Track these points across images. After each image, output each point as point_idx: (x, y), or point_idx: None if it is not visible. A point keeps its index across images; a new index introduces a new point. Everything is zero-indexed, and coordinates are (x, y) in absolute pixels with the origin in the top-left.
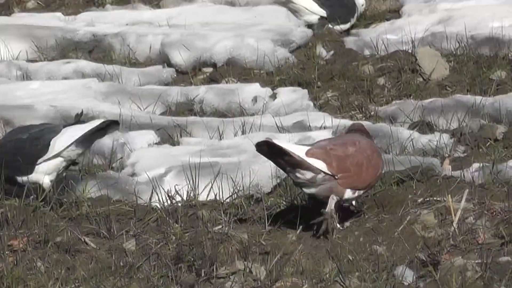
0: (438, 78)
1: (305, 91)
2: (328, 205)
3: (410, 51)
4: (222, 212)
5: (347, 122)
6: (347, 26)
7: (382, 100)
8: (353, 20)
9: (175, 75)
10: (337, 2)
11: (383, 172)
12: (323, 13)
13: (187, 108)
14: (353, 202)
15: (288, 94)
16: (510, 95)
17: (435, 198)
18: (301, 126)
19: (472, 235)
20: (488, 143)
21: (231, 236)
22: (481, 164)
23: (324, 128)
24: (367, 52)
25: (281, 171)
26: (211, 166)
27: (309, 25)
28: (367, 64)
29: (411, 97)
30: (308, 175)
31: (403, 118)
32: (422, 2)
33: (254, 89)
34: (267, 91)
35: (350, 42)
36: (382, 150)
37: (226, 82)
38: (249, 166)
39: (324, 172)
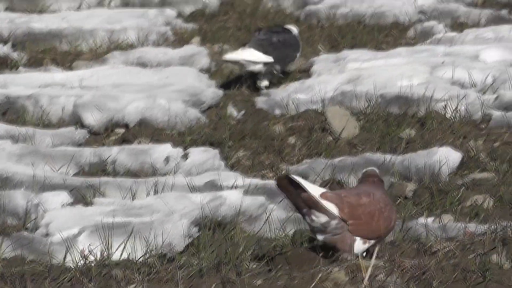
0: (348, 137)
1: (217, 151)
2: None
3: (320, 110)
4: (135, 271)
5: (259, 181)
6: (294, 63)
7: (293, 159)
8: (298, 55)
9: (88, 136)
10: (280, 43)
11: (395, 225)
12: (269, 59)
13: (100, 168)
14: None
15: (200, 154)
16: (419, 153)
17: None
18: (213, 186)
19: None
20: (398, 200)
21: None
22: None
23: (236, 187)
24: (277, 112)
25: (193, 229)
26: (124, 225)
27: (255, 73)
28: (278, 124)
29: (322, 155)
30: (323, 218)
31: (314, 176)
32: (331, 62)
33: (166, 149)
34: (179, 151)
35: (260, 102)
36: (293, 209)
37: (138, 143)
38: (162, 225)
39: (337, 217)
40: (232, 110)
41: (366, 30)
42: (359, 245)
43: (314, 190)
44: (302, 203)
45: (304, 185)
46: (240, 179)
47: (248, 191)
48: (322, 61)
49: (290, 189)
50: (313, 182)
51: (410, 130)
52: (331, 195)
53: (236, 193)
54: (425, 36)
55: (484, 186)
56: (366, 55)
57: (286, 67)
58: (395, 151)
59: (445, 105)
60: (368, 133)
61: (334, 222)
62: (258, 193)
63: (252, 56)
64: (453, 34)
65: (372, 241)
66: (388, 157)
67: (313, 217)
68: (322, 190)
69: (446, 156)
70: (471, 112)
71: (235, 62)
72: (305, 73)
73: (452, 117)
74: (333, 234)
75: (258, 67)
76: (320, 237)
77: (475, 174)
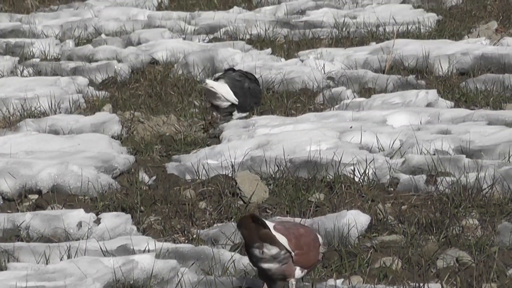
0: (258, 201)
1: (128, 216)
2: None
3: (230, 175)
4: None
5: (170, 245)
6: (250, 112)
7: (203, 223)
8: (257, 105)
9: (1, 203)
10: (248, 91)
11: (321, 259)
12: (235, 101)
13: (14, 234)
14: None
15: (112, 219)
16: (328, 216)
17: None
18: (125, 250)
19: None
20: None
21: None
22: (302, 284)
23: (148, 251)
24: (188, 177)
25: None
26: None
27: (217, 108)
28: (189, 189)
29: (232, 220)
30: (274, 250)
31: (225, 240)
32: (241, 127)
33: (78, 214)
34: (91, 216)
35: (171, 167)
36: (204, 272)
37: (52, 208)
38: None
39: (286, 249)
40: (143, 176)
41: (275, 96)
42: (298, 274)
43: (270, 225)
44: (257, 238)
45: (266, 223)
46: (152, 243)
47: (159, 255)
48: (232, 127)
49: (251, 226)
50: (224, 245)
51: (319, 194)
52: (280, 227)
53: (148, 257)
54: (333, 101)
55: (393, 248)
56: (275, 121)
57: (244, 114)
58: (305, 214)
59: (354, 169)
60: (277, 197)
61: (283, 252)
62: (170, 257)
63: (225, 92)
64: (361, 99)
65: (305, 271)
66: (297, 220)
67: (265, 250)
68: (272, 223)
69: (355, 219)
70: (379, 176)
71: (208, 92)
72: (215, 138)
73: (360, 181)
74: (281, 263)
75: (224, 104)
76: (265, 266)
77: (384, 237)
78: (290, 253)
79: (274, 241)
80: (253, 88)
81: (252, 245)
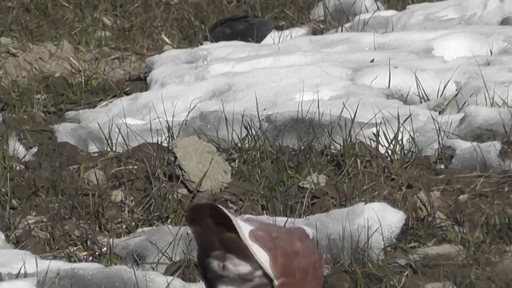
0: (214, 188)
1: None
2: None
3: (165, 144)
4: None
5: (63, 266)
6: None
7: (120, 227)
8: None
9: None
10: None
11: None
12: None
13: None
14: None
15: None
16: (333, 212)
17: None
18: None
19: None
20: None
21: None
22: None
23: (25, 276)
24: (93, 148)
25: None
26: None
27: None
28: (94, 168)
29: (169, 221)
30: (244, 268)
31: (156, 256)
32: (184, 62)
33: None
34: None
35: (64, 132)
36: None
37: None
38: None
39: (264, 271)
40: (16, 147)
41: (243, 7)
42: None
43: (243, 227)
44: (218, 244)
45: (234, 222)
46: (31, 262)
47: (45, 283)
48: (169, 62)
49: (208, 222)
50: (154, 267)
51: (317, 175)
52: (262, 234)
53: (25, 287)
54: (342, 16)
55: (444, 268)
56: (243, 50)
57: None
58: (293, 210)
59: (377, 133)
60: (247, 181)
61: (257, 274)
62: (63, 286)
63: None
64: (390, 12)
65: None
66: (281, 220)
67: (229, 264)
68: (249, 227)
69: (379, 218)
70: (420, 144)
71: None
72: (140, 82)
73: (388, 153)
74: None
75: None
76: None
77: (429, 248)
78: (270, 279)
79: (245, 254)
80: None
81: (208, 253)
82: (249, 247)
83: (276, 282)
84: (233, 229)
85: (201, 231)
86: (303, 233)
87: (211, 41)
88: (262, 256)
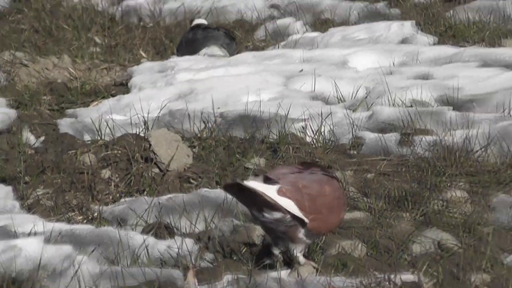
0: (179, 168)
1: (9, 188)
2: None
3: (142, 134)
4: None
5: (64, 227)
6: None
7: (107, 197)
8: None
9: None
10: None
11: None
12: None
13: None
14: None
15: None
16: None
17: None
18: (5, 233)
19: None
20: (244, 248)
21: None
22: (235, 276)
23: (35, 234)
24: (87, 137)
25: None
26: None
27: None
28: (88, 153)
29: (145, 193)
30: (277, 215)
31: (135, 219)
32: (156, 72)
33: None
34: None
35: (65, 125)
36: (109, 261)
37: None
38: None
39: (292, 215)
40: (28, 136)
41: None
42: (304, 240)
43: (269, 190)
44: (254, 205)
45: (259, 190)
46: (40, 224)
47: (50, 239)
48: (145, 71)
49: (240, 193)
50: (134, 227)
51: (259, 158)
52: (288, 189)
53: (35, 242)
54: (278, 37)
55: (355, 229)
56: (201, 62)
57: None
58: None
59: (304, 126)
60: (204, 163)
61: (288, 218)
62: (64, 242)
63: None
64: (315, 34)
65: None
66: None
67: (266, 214)
68: (275, 186)
69: None
70: (338, 135)
71: None
72: (122, 87)
73: (313, 142)
74: (287, 227)
75: None
76: (271, 226)
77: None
78: (299, 219)
79: (276, 206)
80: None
81: (250, 209)
82: (277, 202)
83: (307, 220)
84: (261, 195)
85: (238, 198)
86: (331, 177)
87: (177, 56)
88: (290, 205)
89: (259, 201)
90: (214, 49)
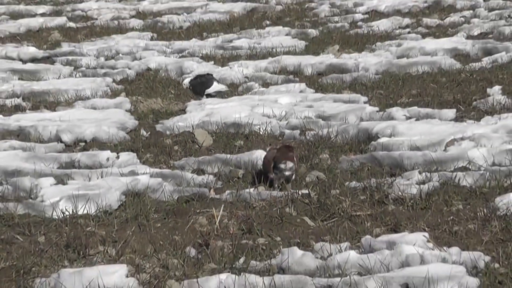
0: (207, 145)
1: (134, 154)
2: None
3: (191, 131)
4: (91, 220)
5: (158, 170)
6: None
7: (176, 157)
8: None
9: (64, 147)
10: (201, 83)
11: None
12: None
13: (71, 164)
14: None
15: (125, 156)
16: (245, 153)
17: (206, 210)
18: (133, 173)
19: (226, 229)
20: (235, 179)
21: None
22: (231, 191)
23: (145, 173)
24: (168, 132)
25: (122, 197)
26: (84, 196)
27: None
28: (169, 138)
29: (192, 156)
30: (291, 164)
31: (188, 168)
32: (197, 105)
33: (107, 153)
34: (114, 154)
35: (158, 127)
36: (177, 184)
37: (92, 150)
38: (105, 195)
39: (296, 164)
40: (143, 132)
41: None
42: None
43: (290, 151)
44: (284, 159)
45: (289, 153)
46: (148, 169)
47: (152, 176)
48: (192, 105)
49: (284, 150)
50: (188, 170)
51: (240, 141)
52: (291, 153)
53: (146, 177)
54: (248, 90)
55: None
56: (216, 101)
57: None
58: (232, 152)
59: (259, 127)
60: (217, 143)
61: (293, 166)
62: (158, 177)
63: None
64: (264, 89)
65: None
66: (228, 156)
67: (288, 165)
68: (291, 152)
69: (260, 155)
70: (273, 131)
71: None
72: (183, 111)
73: (263, 134)
74: (291, 172)
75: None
76: (288, 173)
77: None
78: (295, 167)
79: (292, 160)
80: (204, 81)
81: (280, 162)
82: (294, 157)
83: (296, 167)
84: (293, 152)
85: (279, 154)
86: (291, 147)
87: (206, 97)
88: (294, 160)
89: (289, 157)
90: (218, 85)
